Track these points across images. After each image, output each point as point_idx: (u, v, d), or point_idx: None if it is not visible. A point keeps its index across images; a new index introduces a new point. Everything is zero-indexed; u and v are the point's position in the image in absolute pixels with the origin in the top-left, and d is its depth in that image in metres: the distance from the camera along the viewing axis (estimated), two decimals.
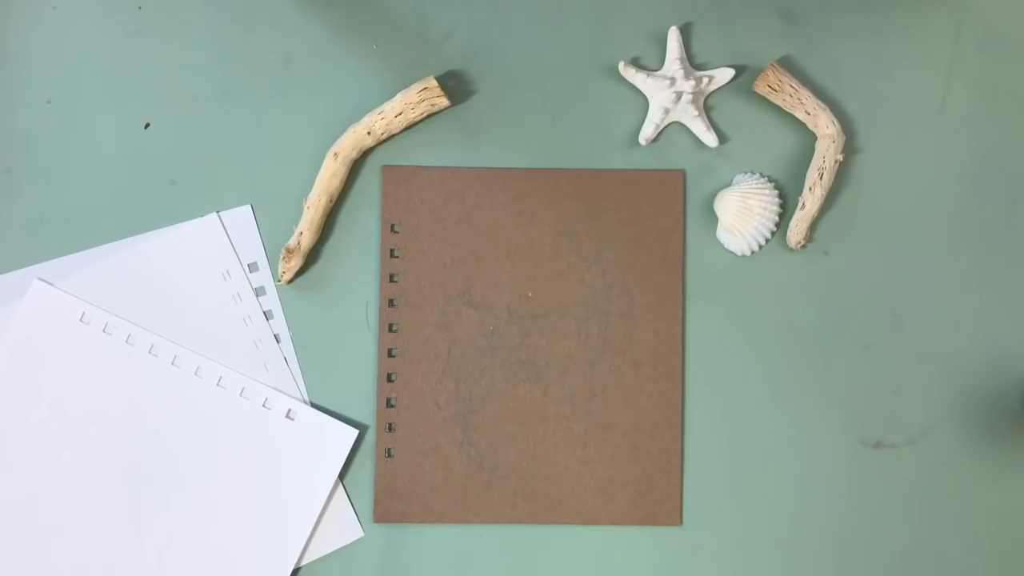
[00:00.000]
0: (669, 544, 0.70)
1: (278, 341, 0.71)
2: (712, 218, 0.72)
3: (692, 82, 0.71)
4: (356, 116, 0.72)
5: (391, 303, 0.71)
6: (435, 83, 0.70)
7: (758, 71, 0.73)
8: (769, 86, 0.71)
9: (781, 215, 0.72)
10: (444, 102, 0.71)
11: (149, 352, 0.70)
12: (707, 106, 0.73)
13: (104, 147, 0.72)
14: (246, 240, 0.72)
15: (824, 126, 0.71)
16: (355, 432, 0.70)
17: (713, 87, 0.72)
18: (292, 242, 0.70)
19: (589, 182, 0.72)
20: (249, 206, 0.72)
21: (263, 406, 0.70)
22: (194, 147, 0.72)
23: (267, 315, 0.71)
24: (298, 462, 0.70)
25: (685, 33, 0.73)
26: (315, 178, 0.71)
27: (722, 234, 0.72)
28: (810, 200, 0.71)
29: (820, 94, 0.73)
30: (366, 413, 0.71)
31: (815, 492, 0.70)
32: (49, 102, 0.73)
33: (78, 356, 0.70)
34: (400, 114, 0.70)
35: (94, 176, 0.72)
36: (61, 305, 0.71)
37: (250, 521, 0.69)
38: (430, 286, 0.71)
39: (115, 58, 0.73)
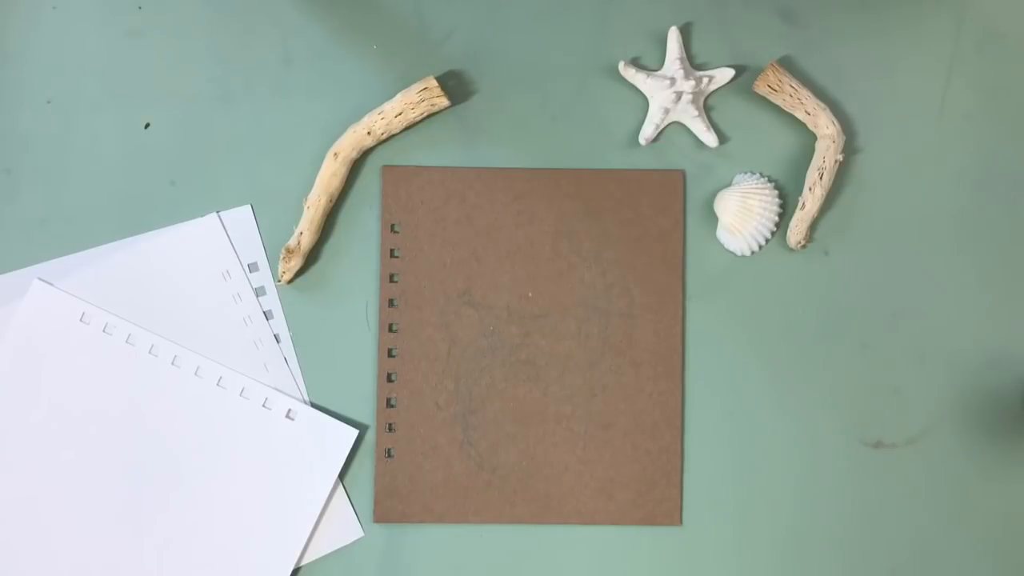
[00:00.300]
0: (669, 544, 0.70)
1: (278, 341, 0.71)
2: (712, 218, 0.72)
3: (692, 82, 0.71)
4: (356, 116, 0.72)
5: (391, 303, 0.71)
6: (435, 83, 0.70)
7: (758, 71, 0.73)
8: (769, 86, 0.71)
9: (781, 215, 0.72)
10: (444, 102, 0.71)
11: (149, 352, 0.70)
12: (707, 106, 0.73)
13: (104, 147, 0.72)
14: (246, 240, 0.72)
15: (824, 126, 0.71)
16: (355, 432, 0.70)
17: (713, 87, 0.72)
18: (292, 242, 0.70)
19: (589, 182, 0.72)
20: (249, 206, 0.72)
21: (263, 406, 0.70)
22: (194, 147, 0.72)
23: (267, 315, 0.71)
24: (298, 462, 0.70)
25: (685, 33, 0.73)
26: (315, 178, 0.71)
27: (722, 234, 0.72)
28: (810, 200, 0.71)
29: (820, 94, 0.73)
30: (366, 413, 0.71)
31: (815, 492, 0.70)
32: (49, 102, 0.73)
33: (78, 356, 0.70)
34: (400, 114, 0.70)
35: (94, 176, 0.72)
36: (61, 305, 0.71)
37: (250, 521, 0.69)
38: (430, 286, 0.71)
39: (115, 58, 0.73)
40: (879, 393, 0.71)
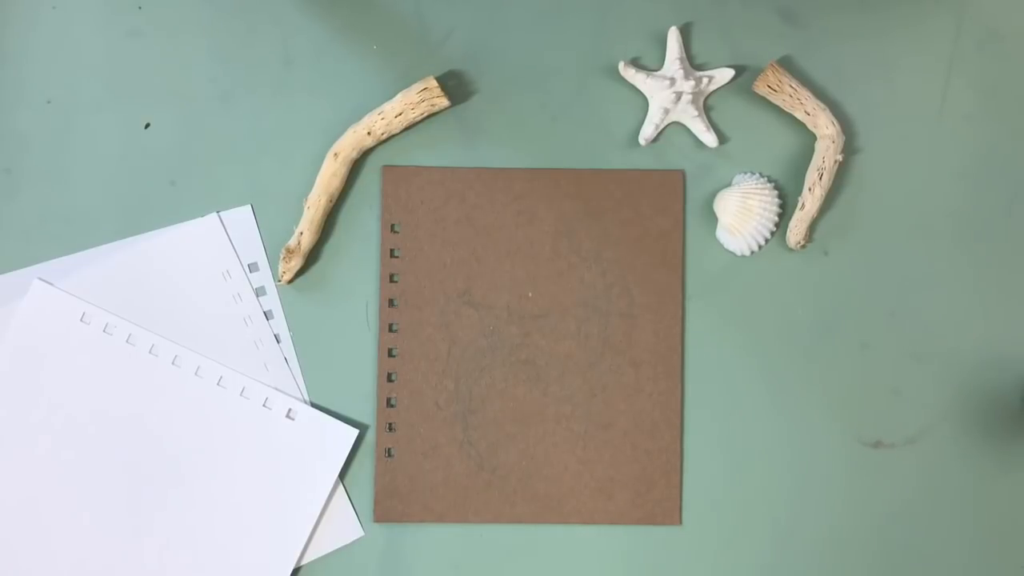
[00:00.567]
0: (668, 544, 0.70)
1: (278, 341, 0.71)
2: (712, 218, 0.72)
3: (692, 82, 0.71)
4: (356, 116, 0.72)
5: (391, 303, 0.71)
6: (435, 83, 0.70)
7: (758, 71, 0.73)
8: (769, 86, 0.71)
9: (781, 215, 0.72)
10: (444, 102, 0.71)
11: (149, 352, 0.70)
12: (707, 106, 0.73)
13: (104, 147, 0.72)
14: (246, 240, 0.72)
15: (824, 126, 0.71)
16: (355, 432, 0.70)
17: (713, 87, 0.72)
18: (292, 242, 0.70)
19: (589, 182, 0.72)
20: (249, 206, 0.72)
21: (263, 406, 0.70)
22: (194, 147, 0.72)
23: (267, 315, 0.71)
24: (298, 462, 0.70)
25: (685, 33, 0.73)
26: (315, 178, 0.71)
27: (722, 234, 0.72)
28: (810, 200, 0.71)
29: (820, 94, 0.73)
30: (366, 413, 0.71)
31: (814, 492, 0.71)
32: (49, 102, 0.73)
33: (78, 356, 0.70)
34: (400, 114, 0.70)
35: (94, 176, 0.72)
36: (61, 305, 0.71)
37: (250, 521, 0.69)
38: (430, 286, 0.71)
39: (115, 58, 0.73)
40: (878, 393, 0.71)
